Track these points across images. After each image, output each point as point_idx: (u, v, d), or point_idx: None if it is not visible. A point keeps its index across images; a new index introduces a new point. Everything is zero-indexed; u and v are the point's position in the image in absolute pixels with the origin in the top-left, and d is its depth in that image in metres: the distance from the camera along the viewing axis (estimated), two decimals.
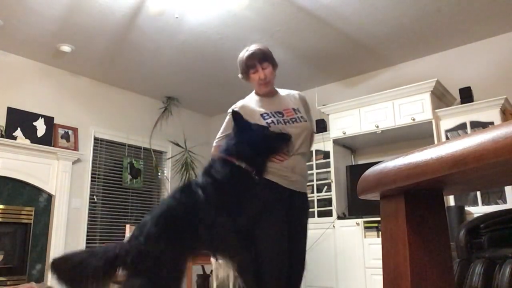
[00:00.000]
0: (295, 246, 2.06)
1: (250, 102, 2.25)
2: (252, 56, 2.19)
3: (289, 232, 2.01)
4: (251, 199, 1.91)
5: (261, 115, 2.16)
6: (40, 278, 4.37)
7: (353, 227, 4.17)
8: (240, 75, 2.30)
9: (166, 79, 5.33)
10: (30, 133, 4.55)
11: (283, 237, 1.98)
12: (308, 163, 4.89)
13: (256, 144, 1.97)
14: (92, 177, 5.09)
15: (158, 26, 4.06)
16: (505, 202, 3.57)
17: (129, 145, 5.55)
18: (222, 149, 2.04)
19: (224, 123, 2.26)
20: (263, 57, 2.20)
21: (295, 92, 2.35)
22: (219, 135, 2.26)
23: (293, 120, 2.17)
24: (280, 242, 1.97)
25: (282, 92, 2.34)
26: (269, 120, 2.13)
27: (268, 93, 2.26)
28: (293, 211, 2.08)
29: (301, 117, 2.19)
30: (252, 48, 2.23)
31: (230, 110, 2.21)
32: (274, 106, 2.21)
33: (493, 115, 3.73)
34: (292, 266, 2.02)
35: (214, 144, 2.25)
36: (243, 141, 1.96)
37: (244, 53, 2.24)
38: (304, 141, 2.16)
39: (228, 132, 2.18)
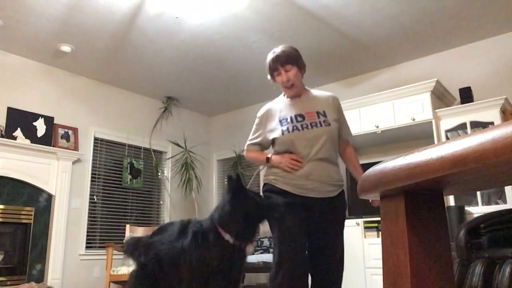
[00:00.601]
0: (324, 251, 2.19)
1: (277, 105, 2.28)
2: (276, 59, 2.19)
3: (315, 237, 2.13)
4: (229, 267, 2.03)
5: (280, 121, 2.19)
6: (40, 278, 4.37)
7: (353, 227, 4.17)
8: (268, 77, 2.29)
9: (166, 79, 5.33)
10: (30, 133, 4.55)
11: (298, 232, 2.04)
12: None
13: (247, 215, 2.00)
14: (92, 177, 5.09)
15: (158, 26, 4.07)
16: (505, 202, 3.57)
17: (129, 145, 5.55)
18: (216, 215, 2.06)
19: (254, 126, 2.33)
20: (286, 60, 2.17)
21: (328, 94, 2.31)
22: (250, 137, 2.33)
23: (313, 124, 2.14)
24: (294, 234, 2.03)
25: (314, 92, 2.32)
26: (284, 128, 2.15)
27: (295, 95, 2.25)
28: (316, 217, 2.12)
29: (324, 121, 2.15)
30: (278, 50, 2.21)
31: (258, 114, 2.32)
32: (299, 108, 2.20)
33: (493, 115, 3.73)
34: (327, 271, 2.20)
35: (246, 148, 2.35)
36: (235, 211, 2.00)
37: (270, 56, 2.24)
38: (324, 146, 2.11)
39: (259, 133, 2.27)
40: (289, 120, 2.17)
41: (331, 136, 2.15)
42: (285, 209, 2.04)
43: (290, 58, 2.18)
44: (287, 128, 2.14)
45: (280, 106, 2.26)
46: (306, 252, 2.12)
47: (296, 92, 2.24)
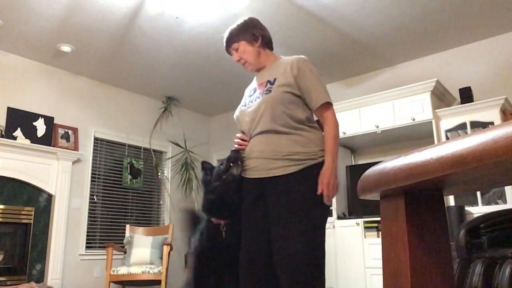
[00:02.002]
0: (275, 246, 1.73)
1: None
2: (225, 44, 2.07)
3: (271, 229, 1.76)
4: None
5: (245, 98, 2.05)
6: (40, 278, 4.37)
7: (353, 227, 4.17)
8: None
9: (166, 79, 5.33)
10: (30, 133, 4.55)
11: (246, 237, 1.83)
12: None
13: (218, 197, 1.86)
14: (92, 177, 5.09)
15: (158, 26, 4.07)
16: (505, 202, 3.57)
17: (129, 145, 5.55)
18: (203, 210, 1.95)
19: None
20: (230, 39, 2.03)
21: (293, 58, 1.96)
22: None
23: (257, 97, 1.92)
24: (245, 242, 1.82)
25: (282, 59, 2.03)
26: (240, 105, 2.03)
27: (257, 69, 2.06)
28: (270, 202, 1.80)
29: (267, 89, 1.89)
30: (225, 33, 2.07)
31: None
32: (257, 81, 2.03)
33: (493, 115, 3.73)
34: (281, 274, 1.68)
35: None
36: (207, 197, 1.90)
37: None
38: (263, 116, 1.85)
39: None
40: (246, 96, 2.03)
41: (271, 104, 1.84)
42: (240, 210, 1.86)
43: (234, 36, 2.02)
44: (243, 104, 2.00)
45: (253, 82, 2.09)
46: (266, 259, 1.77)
47: (255, 66, 2.05)
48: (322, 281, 1.71)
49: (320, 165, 1.77)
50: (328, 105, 1.86)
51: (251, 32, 2.01)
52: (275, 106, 1.84)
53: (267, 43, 2.07)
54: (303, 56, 1.97)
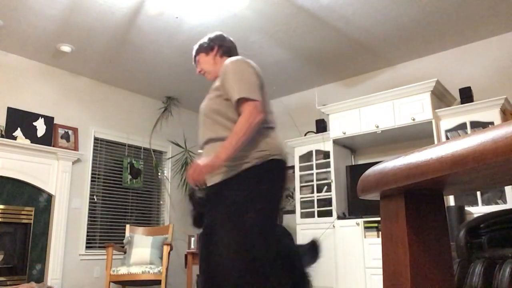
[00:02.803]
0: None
1: None
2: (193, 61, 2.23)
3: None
4: None
5: None
6: (40, 278, 4.37)
7: (353, 227, 4.17)
8: None
9: (166, 79, 5.33)
10: (30, 133, 4.55)
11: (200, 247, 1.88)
12: (307, 163, 4.92)
13: (195, 215, 2.01)
14: (92, 177, 5.09)
15: (158, 26, 4.07)
16: (505, 202, 3.57)
17: (129, 145, 5.55)
18: None
19: None
20: (194, 55, 2.20)
21: (225, 62, 1.96)
22: None
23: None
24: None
25: None
26: None
27: (215, 79, 2.10)
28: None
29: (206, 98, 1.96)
30: None
31: None
32: None
33: (493, 115, 3.73)
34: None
35: None
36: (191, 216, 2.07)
37: None
38: (202, 128, 1.91)
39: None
40: None
41: (205, 112, 1.89)
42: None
43: (196, 51, 2.18)
44: None
45: None
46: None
47: (213, 76, 2.10)
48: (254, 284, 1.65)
49: (255, 168, 1.73)
50: (243, 100, 1.77)
51: (209, 44, 2.14)
52: (212, 113, 1.86)
53: (227, 52, 2.13)
54: (233, 58, 1.94)
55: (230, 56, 2.11)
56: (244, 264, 1.64)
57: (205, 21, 3.99)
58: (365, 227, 4.09)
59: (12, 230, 4.36)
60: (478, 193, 3.69)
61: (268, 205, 1.73)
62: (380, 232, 3.87)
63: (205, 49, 2.13)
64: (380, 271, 3.75)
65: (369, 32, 4.21)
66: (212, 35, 2.18)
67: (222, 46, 2.13)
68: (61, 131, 4.84)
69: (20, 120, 4.52)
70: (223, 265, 1.67)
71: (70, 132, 4.93)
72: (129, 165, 5.47)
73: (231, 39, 2.21)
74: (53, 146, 4.69)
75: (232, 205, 1.71)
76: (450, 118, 3.96)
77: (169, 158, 5.94)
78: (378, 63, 4.92)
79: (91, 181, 5.08)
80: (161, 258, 4.32)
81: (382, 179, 0.61)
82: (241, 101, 1.78)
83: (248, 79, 1.83)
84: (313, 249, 2.47)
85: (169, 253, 4.26)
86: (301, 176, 4.91)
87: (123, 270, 4.11)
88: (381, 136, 4.46)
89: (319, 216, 4.57)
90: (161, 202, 5.84)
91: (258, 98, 1.78)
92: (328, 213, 4.49)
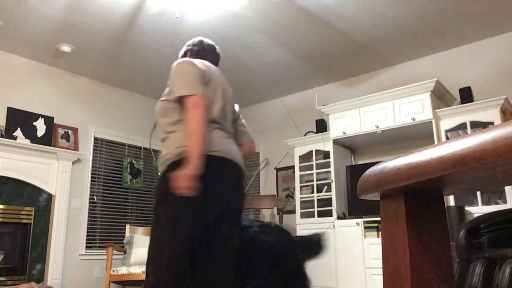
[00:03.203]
0: None
1: None
2: None
3: None
4: None
5: None
6: (40, 278, 4.37)
7: (353, 227, 4.17)
8: None
9: (166, 79, 5.33)
10: (30, 133, 4.55)
11: None
12: (307, 163, 4.92)
13: None
14: (92, 177, 5.09)
15: (158, 26, 4.07)
16: (505, 202, 3.57)
17: (129, 145, 5.56)
18: None
19: None
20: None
21: None
22: None
23: None
24: None
25: None
26: None
27: None
28: None
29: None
30: None
31: None
32: None
33: (493, 115, 3.73)
34: None
35: None
36: None
37: None
38: (158, 128, 1.99)
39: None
40: None
41: (158, 113, 1.97)
42: None
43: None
44: None
45: None
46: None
47: None
48: (160, 275, 1.68)
49: (176, 163, 1.76)
50: (185, 98, 1.83)
51: (185, 50, 2.24)
52: (160, 114, 1.95)
53: (197, 55, 2.18)
54: (179, 60, 2.02)
55: (201, 58, 2.17)
56: (152, 256, 1.72)
57: (205, 20, 3.99)
58: (365, 227, 4.09)
59: (12, 230, 4.36)
60: (478, 193, 3.69)
61: (178, 201, 1.72)
62: (380, 232, 3.88)
63: (182, 56, 2.25)
64: (380, 271, 3.75)
65: (369, 32, 4.21)
66: (189, 42, 2.26)
67: (191, 50, 2.21)
68: (61, 131, 4.84)
69: (20, 120, 4.52)
70: (149, 264, 1.75)
71: (70, 132, 4.93)
72: (129, 165, 5.47)
73: (209, 42, 2.25)
74: (53, 146, 4.70)
75: (156, 199, 1.81)
76: (450, 118, 3.96)
77: None
78: (378, 63, 4.92)
79: (91, 181, 5.08)
80: None
81: (382, 179, 0.61)
82: (183, 98, 1.85)
83: (187, 77, 1.90)
84: (314, 242, 2.45)
85: None
86: (301, 176, 4.91)
87: (123, 270, 4.11)
88: (381, 136, 4.46)
89: (319, 216, 4.57)
90: None
91: (197, 92, 1.84)
92: (328, 213, 4.49)
